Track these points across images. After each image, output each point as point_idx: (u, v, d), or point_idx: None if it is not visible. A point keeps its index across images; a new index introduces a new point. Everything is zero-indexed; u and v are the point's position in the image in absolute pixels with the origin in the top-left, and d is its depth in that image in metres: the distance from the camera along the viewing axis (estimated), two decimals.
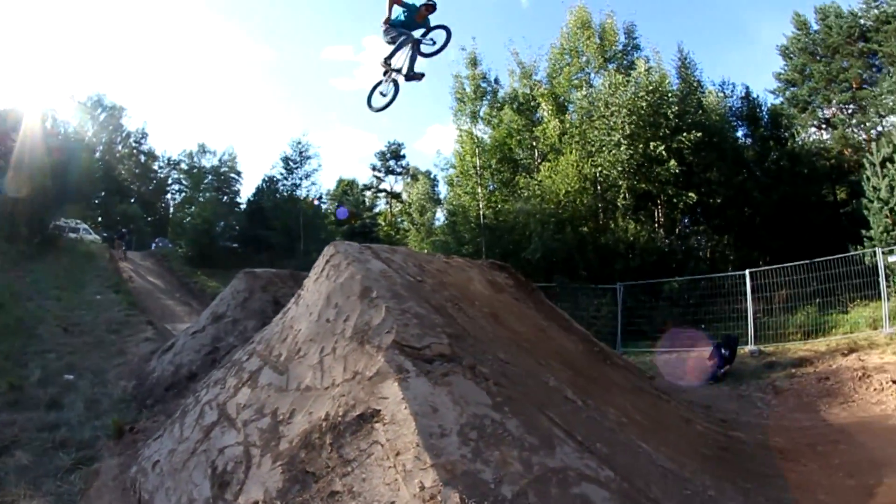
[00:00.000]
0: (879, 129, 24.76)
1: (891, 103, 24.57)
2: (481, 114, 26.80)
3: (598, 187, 21.89)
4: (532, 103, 25.21)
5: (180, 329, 13.44)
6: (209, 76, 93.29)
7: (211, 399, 5.80)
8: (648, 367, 11.97)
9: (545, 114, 24.31)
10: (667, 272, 18.62)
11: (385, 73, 8.77)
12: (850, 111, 27.52)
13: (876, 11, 26.08)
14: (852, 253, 14.45)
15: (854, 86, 26.95)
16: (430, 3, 8.20)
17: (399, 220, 41.59)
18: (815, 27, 28.21)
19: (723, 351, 11.47)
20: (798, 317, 14.26)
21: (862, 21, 26.67)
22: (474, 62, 27.07)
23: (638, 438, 5.00)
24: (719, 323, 14.25)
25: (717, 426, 7.73)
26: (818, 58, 27.84)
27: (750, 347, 13.20)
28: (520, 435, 3.64)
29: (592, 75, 25.06)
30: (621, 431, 5.03)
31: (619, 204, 21.35)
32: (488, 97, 27.25)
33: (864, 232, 16.29)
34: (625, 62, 24.77)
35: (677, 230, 23.43)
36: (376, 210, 51.75)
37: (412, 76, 8.57)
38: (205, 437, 5.12)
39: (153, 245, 40.74)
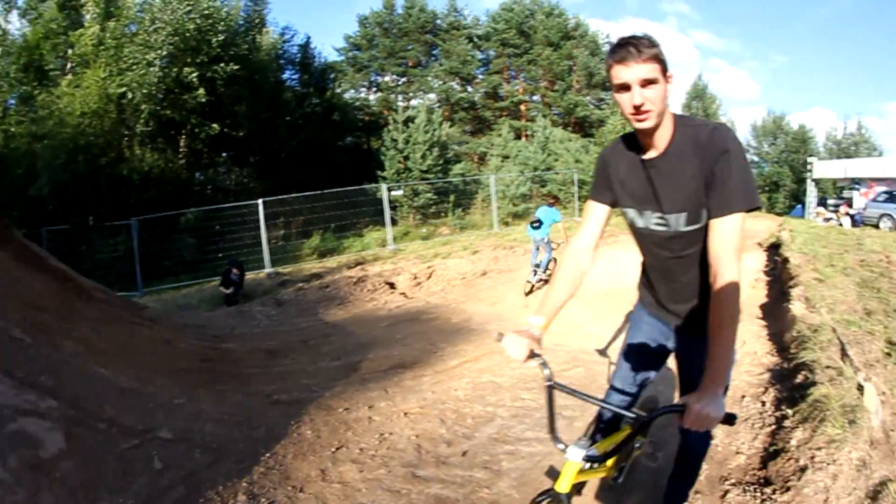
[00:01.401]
0: (418, 101, 30.80)
1: (433, 84, 32.31)
2: (20, 2, 20.08)
3: (124, 111, 19.03)
4: (82, 1, 19.74)
5: None
6: None
7: None
8: (168, 303, 11.65)
9: (89, 16, 19.36)
10: (187, 203, 18.01)
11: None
12: (399, 83, 33.96)
13: (452, 18, 33.48)
14: (364, 186, 16.99)
15: (410, 64, 33.21)
16: None
17: None
18: (400, 11, 33.25)
19: (232, 276, 11.52)
20: (314, 240, 16.02)
21: (438, 21, 33.36)
22: None
23: (97, 366, 4.94)
24: (239, 251, 14.43)
25: (208, 342, 7.79)
26: (389, 34, 32.92)
27: (267, 270, 13.89)
28: None
29: None
30: (76, 361, 4.92)
31: (138, 130, 19.15)
32: None
33: (379, 172, 19.80)
34: None
35: (203, 161, 23.03)
36: None
37: None
38: None
39: None
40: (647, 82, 1.67)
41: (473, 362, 5.85)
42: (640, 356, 2.26)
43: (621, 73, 1.68)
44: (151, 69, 18.64)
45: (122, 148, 19.07)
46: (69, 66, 19.65)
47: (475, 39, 33.27)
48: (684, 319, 2.08)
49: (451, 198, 18.62)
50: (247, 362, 6.79)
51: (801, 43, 75.86)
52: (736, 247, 1.71)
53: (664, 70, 1.71)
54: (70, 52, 19.41)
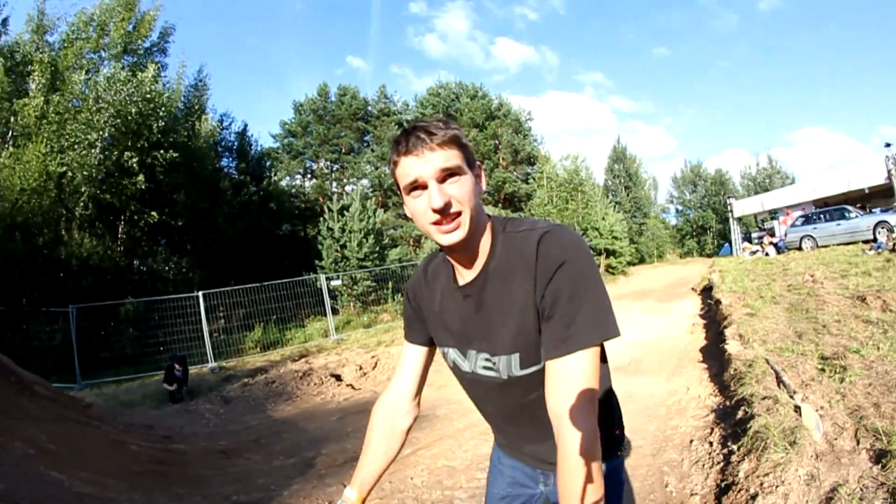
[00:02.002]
0: (352, 187, 32.10)
1: (365, 170, 33.22)
2: None
3: (63, 191, 18.76)
4: (30, 68, 19.85)
5: None
6: None
7: None
8: (110, 398, 11.09)
9: (35, 85, 19.44)
10: (126, 292, 17.50)
11: None
12: (333, 169, 35.24)
13: (382, 105, 35.53)
14: (304, 277, 17.05)
15: (343, 150, 34.57)
16: None
17: None
18: (333, 98, 34.97)
19: (176, 372, 11.09)
20: (256, 333, 15.67)
21: (369, 108, 35.26)
22: None
23: (50, 468, 4.74)
24: (180, 344, 13.99)
25: (158, 443, 7.52)
26: (323, 121, 34.40)
27: (210, 365, 13.55)
28: None
29: (105, 61, 21.94)
30: (28, 464, 4.74)
31: (77, 213, 18.82)
32: None
33: (317, 262, 19.85)
34: (143, 61, 22.74)
35: (141, 249, 22.77)
36: None
37: None
38: None
39: None
40: (447, 174, 1.25)
41: (426, 448, 5.94)
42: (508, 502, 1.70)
43: (411, 168, 1.24)
44: (93, 150, 18.54)
45: (60, 230, 18.56)
46: (10, 133, 19.29)
47: (405, 124, 34.31)
48: (550, 461, 1.41)
49: (390, 284, 18.64)
50: (201, 463, 6.59)
51: (708, 93, 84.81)
52: (586, 397, 1.17)
53: (469, 160, 1.31)
54: (13, 119, 19.13)
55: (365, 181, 33.55)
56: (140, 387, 12.18)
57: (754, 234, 27.48)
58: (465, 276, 1.40)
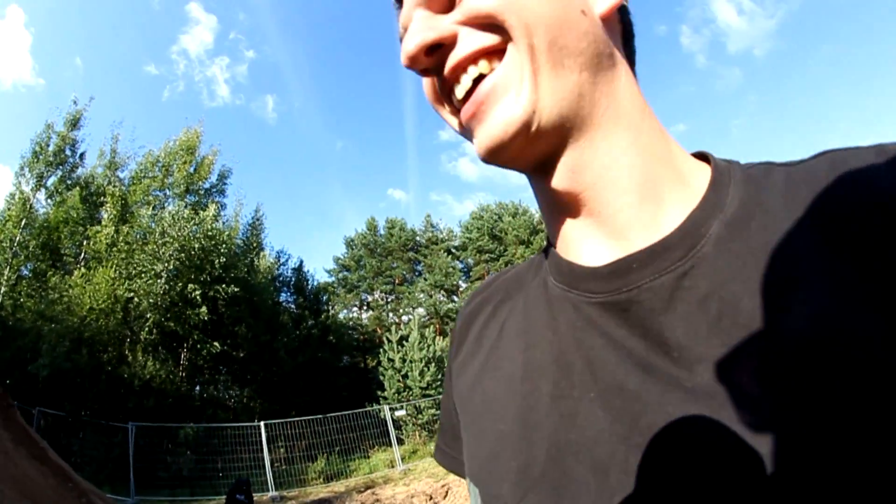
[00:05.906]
0: (408, 317, 32.65)
1: (420, 299, 34.14)
2: (49, 183, 22.09)
3: (129, 314, 19.80)
4: (102, 199, 22.30)
5: None
6: None
7: None
8: None
9: (107, 215, 21.70)
10: (186, 416, 17.78)
11: None
12: (389, 300, 36.14)
13: (430, 234, 37.31)
14: (367, 409, 17.08)
15: (397, 281, 35.73)
16: None
17: None
18: (382, 231, 36.94)
19: (238, 496, 10.45)
20: (319, 463, 15.31)
21: (417, 238, 37.02)
22: (75, 123, 22.63)
23: None
24: (240, 471, 13.79)
25: None
26: (374, 254, 36.01)
27: (271, 493, 13.35)
28: None
29: (170, 199, 24.10)
30: None
31: (142, 337, 19.65)
32: (66, 168, 22.79)
33: (379, 392, 19.80)
34: (203, 200, 24.82)
35: (203, 376, 23.08)
36: None
37: None
38: None
39: None
40: None
41: None
42: None
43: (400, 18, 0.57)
44: (159, 280, 19.59)
45: (124, 350, 19.28)
46: (83, 255, 21.03)
47: (453, 251, 35.88)
48: None
49: None
50: None
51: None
52: None
53: None
54: (85, 243, 20.99)
55: (421, 310, 34.16)
56: None
57: None
58: (603, 248, 0.53)
